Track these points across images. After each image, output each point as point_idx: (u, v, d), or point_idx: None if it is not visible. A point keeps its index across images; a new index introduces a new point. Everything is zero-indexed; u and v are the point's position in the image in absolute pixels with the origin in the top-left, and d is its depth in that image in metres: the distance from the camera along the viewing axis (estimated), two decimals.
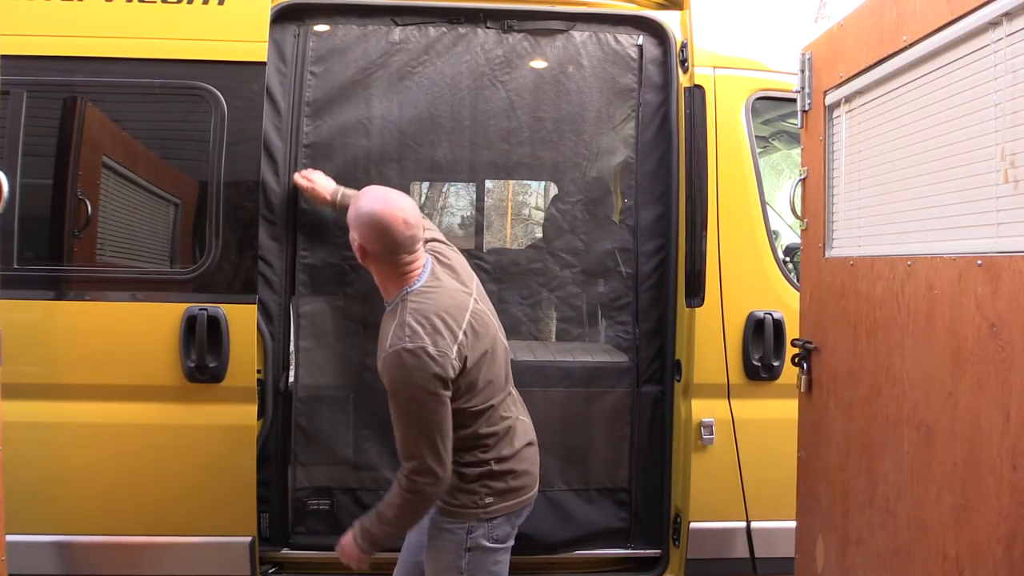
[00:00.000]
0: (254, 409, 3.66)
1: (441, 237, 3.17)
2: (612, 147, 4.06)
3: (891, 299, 2.62)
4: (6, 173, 2.87)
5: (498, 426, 2.92)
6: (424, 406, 2.67)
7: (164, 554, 3.67)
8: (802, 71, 3.30)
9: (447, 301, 2.79)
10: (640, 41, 3.98)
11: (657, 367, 3.95)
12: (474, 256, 3.92)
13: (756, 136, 3.99)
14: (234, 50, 3.66)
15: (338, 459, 3.87)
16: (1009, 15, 2.12)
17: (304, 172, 3.70)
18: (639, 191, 3.97)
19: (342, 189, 3.61)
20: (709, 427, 3.84)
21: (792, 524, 3.41)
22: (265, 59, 3.68)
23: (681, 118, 3.91)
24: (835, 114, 3.12)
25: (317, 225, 3.87)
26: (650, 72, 3.96)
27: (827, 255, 3.14)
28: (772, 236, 3.98)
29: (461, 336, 2.74)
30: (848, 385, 2.93)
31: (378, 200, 2.81)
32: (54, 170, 3.63)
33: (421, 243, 2.88)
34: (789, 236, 5.33)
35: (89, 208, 3.62)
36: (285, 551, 3.81)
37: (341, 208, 3.46)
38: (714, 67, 3.93)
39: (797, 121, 3.38)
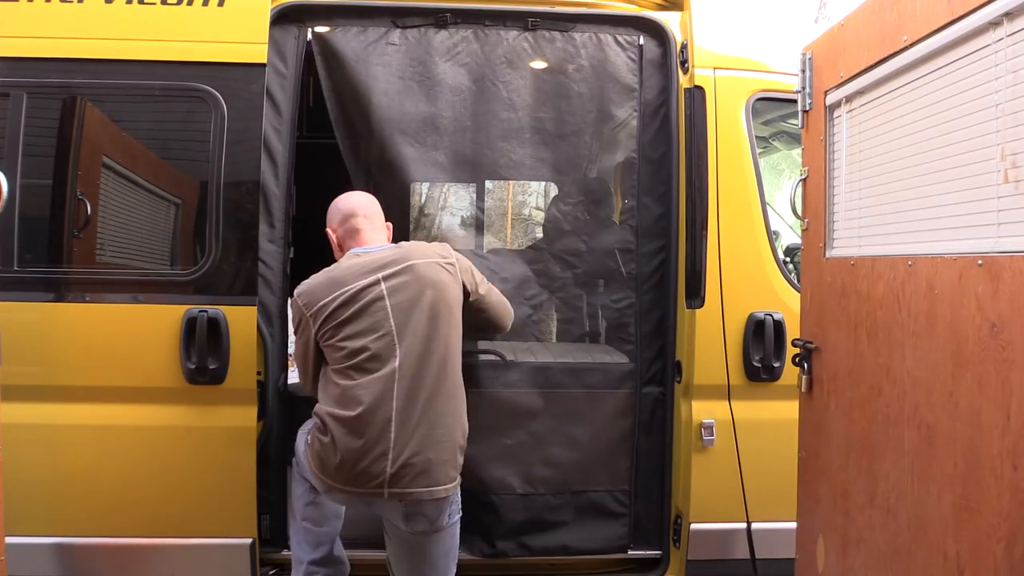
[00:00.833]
0: (254, 411, 3.66)
1: (446, 259, 3.38)
2: (612, 148, 4.07)
3: (892, 299, 2.61)
4: (6, 174, 2.87)
5: (343, 393, 3.15)
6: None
7: (164, 556, 3.67)
8: (802, 71, 3.30)
9: (334, 274, 3.30)
10: (640, 42, 3.97)
11: (658, 368, 3.95)
12: (475, 256, 3.92)
13: (756, 136, 3.99)
14: (234, 52, 3.66)
15: None
16: (1009, 15, 2.11)
17: None
18: (639, 192, 3.97)
19: None
20: (710, 428, 3.83)
21: (793, 525, 3.40)
22: (265, 61, 3.67)
23: (681, 119, 3.90)
24: (836, 114, 3.12)
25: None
26: (650, 73, 3.95)
27: (828, 255, 3.14)
28: (772, 237, 3.98)
29: (319, 295, 3.23)
30: (849, 385, 2.93)
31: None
32: (54, 172, 3.63)
33: (361, 235, 3.43)
34: (789, 236, 5.32)
35: (89, 210, 3.62)
36: (285, 552, 3.80)
37: None
38: (714, 68, 3.93)
39: (797, 121, 3.37)
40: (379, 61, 3.88)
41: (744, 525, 3.89)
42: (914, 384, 2.49)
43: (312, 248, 4.43)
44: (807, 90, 3.29)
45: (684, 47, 3.92)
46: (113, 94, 3.70)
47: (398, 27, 3.90)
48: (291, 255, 3.89)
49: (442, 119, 3.92)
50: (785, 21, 4.74)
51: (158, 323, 3.59)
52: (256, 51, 3.66)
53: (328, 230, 3.51)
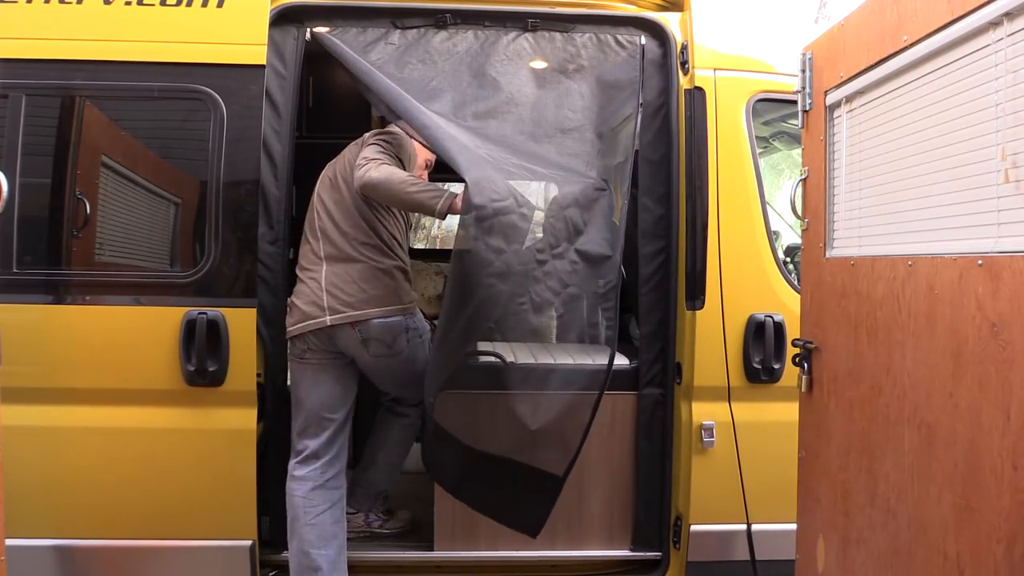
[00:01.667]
0: (254, 413, 3.65)
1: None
2: (612, 148, 4.06)
3: (892, 299, 2.61)
4: (6, 175, 2.87)
5: None
6: None
7: (164, 558, 3.67)
8: (802, 71, 3.29)
9: None
10: (641, 42, 3.97)
11: (658, 370, 3.94)
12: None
13: (757, 137, 3.99)
14: (233, 53, 3.66)
15: None
16: (1009, 15, 2.11)
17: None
18: (639, 193, 3.96)
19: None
20: (710, 430, 3.83)
21: (793, 526, 3.40)
22: (264, 62, 3.67)
23: (681, 120, 3.90)
24: (836, 114, 3.11)
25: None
26: (650, 73, 3.95)
27: (828, 255, 3.14)
28: (773, 238, 3.98)
29: None
30: (849, 385, 2.93)
31: None
32: (53, 173, 3.63)
33: None
34: (790, 236, 5.32)
35: (88, 211, 3.62)
36: (285, 554, 3.80)
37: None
38: (714, 68, 3.92)
39: (797, 122, 3.37)
40: (378, 61, 3.87)
41: (744, 526, 3.88)
42: (914, 384, 2.48)
43: None
44: (807, 90, 3.29)
45: (684, 48, 3.92)
46: (112, 95, 3.70)
47: (398, 28, 3.89)
48: (291, 256, 3.88)
49: (441, 119, 3.91)
50: (785, 21, 4.74)
51: (157, 325, 3.59)
52: (255, 52, 3.66)
53: None
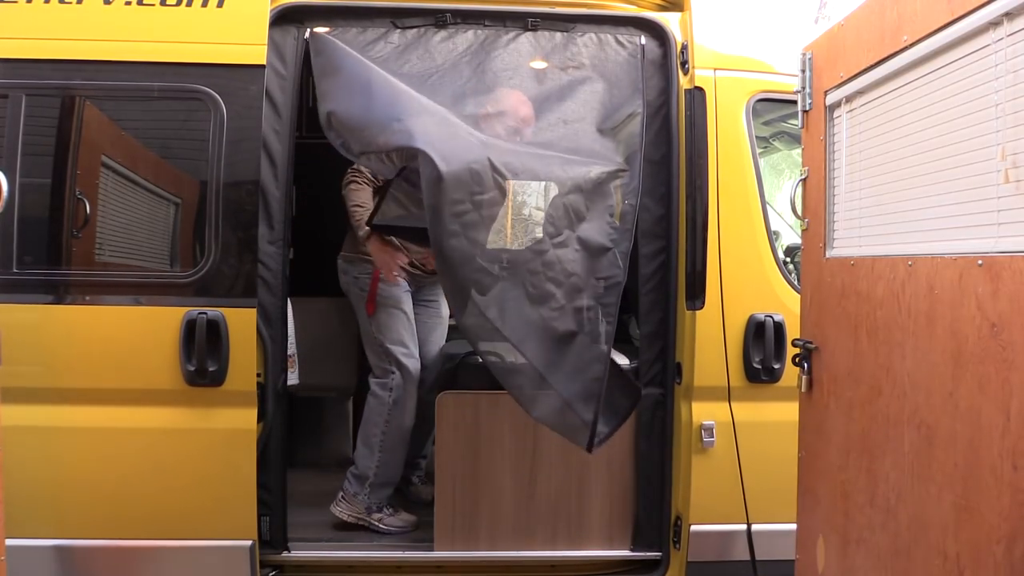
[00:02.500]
0: (254, 413, 3.65)
1: None
2: (612, 148, 4.05)
3: (892, 299, 2.61)
4: (6, 175, 2.87)
5: None
6: None
7: (164, 558, 3.67)
8: (802, 71, 3.29)
9: None
10: (641, 42, 3.97)
11: (658, 370, 3.94)
12: None
13: (757, 137, 3.99)
14: (233, 53, 3.66)
15: None
16: (1009, 15, 2.11)
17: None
18: (639, 193, 3.96)
19: None
20: (710, 430, 3.83)
21: (793, 526, 3.40)
22: (264, 62, 3.67)
23: (682, 120, 3.90)
24: (836, 114, 3.11)
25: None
26: (650, 73, 3.95)
27: (828, 255, 3.14)
28: (773, 238, 3.98)
29: None
30: (849, 385, 2.93)
31: None
32: (53, 173, 3.63)
33: None
34: (790, 236, 5.32)
35: (88, 211, 3.61)
36: (285, 554, 3.80)
37: None
38: (715, 68, 3.92)
39: (798, 122, 3.37)
40: (378, 61, 3.87)
41: (744, 527, 3.88)
42: (914, 384, 2.48)
43: (312, 249, 4.44)
44: (807, 90, 3.29)
45: (684, 48, 3.92)
46: (112, 95, 3.69)
47: (397, 28, 3.89)
48: (291, 256, 3.88)
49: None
50: (785, 21, 4.74)
51: (157, 325, 3.58)
52: (255, 52, 3.66)
53: None
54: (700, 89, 3.89)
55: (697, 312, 3.84)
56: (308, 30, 3.84)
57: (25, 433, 3.36)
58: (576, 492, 3.94)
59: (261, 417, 3.71)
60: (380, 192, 4.17)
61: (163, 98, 3.68)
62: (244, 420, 3.62)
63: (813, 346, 3.22)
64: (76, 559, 3.64)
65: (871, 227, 2.86)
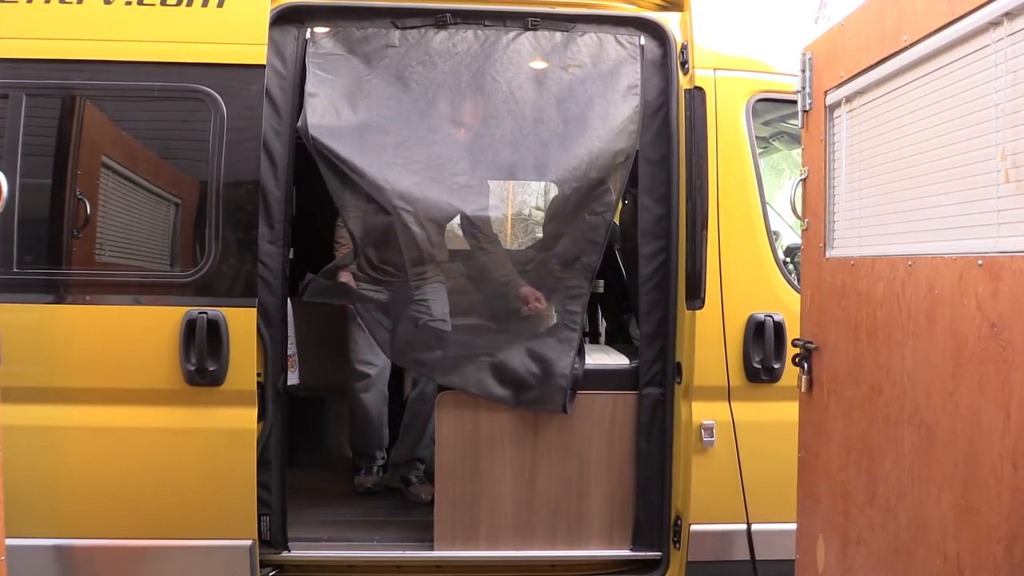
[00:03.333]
0: (254, 412, 3.65)
1: None
2: (612, 148, 4.05)
3: (892, 299, 2.61)
4: (6, 175, 2.87)
5: None
6: None
7: (164, 558, 3.67)
8: (802, 71, 3.29)
9: None
10: (640, 42, 3.97)
11: (658, 369, 3.94)
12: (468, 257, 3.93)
13: (756, 137, 3.99)
14: (233, 53, 3.66)
15: None
16: (1009, 15, 2.11)
17: None
18: (639, 193, 3.96)
19: None
20: (710, 429, 3.83)
21: (793, 526, 3.40)
22: (264, 62, 3.67)
23: (681, 120, 3.90)
24: (836, 114, 3.11)
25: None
26: (650, 73, 3.95)
27: (828, 255, 3.14)
28: (773, 238, 3.98)
29: None
30: (849, 385, 2.93)
31: None
32: (53, 173, 3.63)
33: None
34: (789, 236, 5.32)
35: (88, 211, 3.62)
36: (285, 554, 3.80)
37: None
38: (714, 68, 3.92)
39: (797, 122, 3.37)
40: (378, 61, 3.87)
41: (744, 526, 3.88)
42: (914, 384, 2.49)
43: (312, 249, 4.44)
44: (807, 90, 3.29)
45: (684, 48, 3.91)
46: (112, 95, 3.70)
47: (398, 28, 3.89)
48: (291, 256, 3.88)
49: (441, 119, 3.92)
50: (785, 21, 4.74)
51: (158, 325, 3.59)
52: (255, 52, 3.66)
53: None
54: (700, 89, 3.89)
55: (697, 312, 3.84)
56: (308, 30, 3.84)
57: (25, 433, 3.37)
58: (576, 492, 3.94)
59: (261, 417, 3.71)
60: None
61: (163, 98, 3.69)
62: (244, 420, 3.62)
63: (813, 346, 3.22)
64: (76, 559, 3.64)
65: (871, 227, 2.86)
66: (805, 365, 3.26)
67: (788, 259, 4.69)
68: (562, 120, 3.95)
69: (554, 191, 4.49)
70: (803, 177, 3.34)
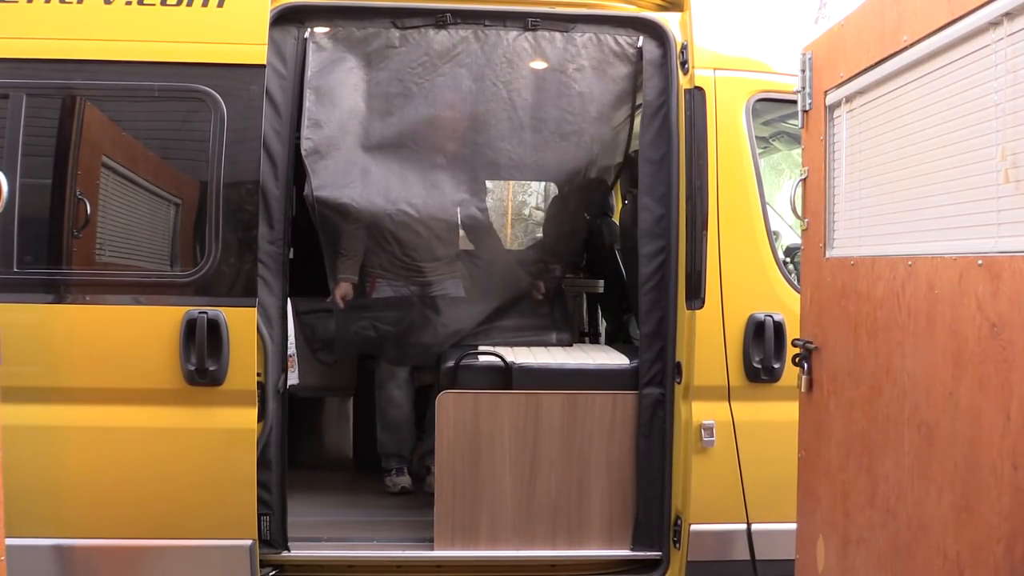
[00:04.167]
0: (254, 412, 3.65)
1: None
2: (612, 148, 4.06)
3: (892, 299, 2.61)
4: (6, 175, 2.87)
5: None
6: None
7: (164, 557, 3.67)
8: (802, 71, 3.29)
9: None
10: (640, 43, 3.97)
11: (658, 369, 3.94)
12: (474, 256, 3.93)
13: (756, 137, 3.98)
14: (233, 52, 3.66)
15: None
16: (1009, 15, 2.11)
17: None
18: (639, 193, 3.96)
19: None
20: (710, 429, 3.83)
21: (793, 526, 3.40)
22: (265, 62, 3.67)
23: (681, 120, 3.90)
24: (836, 114, 3.11)
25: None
26: (650, 74, 3.95)
27: (828, 255, 3.14)
28: (772, 238, 3.98)
29: None
30: (849, 385, 2.93)
31: None
32: (53, 173, 3.63)
33: None
34: (789, 236, 5.33)
35: (88, 210, 3.61)
36: (285, 554, 3.80)
37: None
38: (714, 68, 3.92)
39: (797, 122, 3.37)
40: (378, 61, 3.87)
41: (744, 526, 3.88)
42: (914, 384, 2.49)
43: (312, 249, 4.44)
44: (807, 90, 3.29)
45: (684, 48, 3.91)
46: (113, 95, 3.70)
47: (398, 28, 3.90)
48: (291, 256, 3.88)
49: (442, 119, 3.92)
50: (785, 21, 4.74)
51: (158, 325, 3.58)
52: (256, 52, 3.66)
53: None
54: (700, 89, 3.89)
55: (697, 312, 3.84)
56: (308, 30, 3.84)
57: (25, 433, 3.36)
58: (576, 492, 3.94)
59: (261, 417, 3.71)
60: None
61: (163, 98, 3.69)
62: (244, 420, 3.62)
63: (813, 346, 3.22)
64: (76, 559, 3.64)
65: (871, 227, 2.86)
66: (805, 365, 3.26)
67: (788, 259, 4.70)
68: (562, 120, 3.96)
69: (554, 191, 4.50)
70: (803, 177, 3.34)
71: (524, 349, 4.26)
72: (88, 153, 3.69)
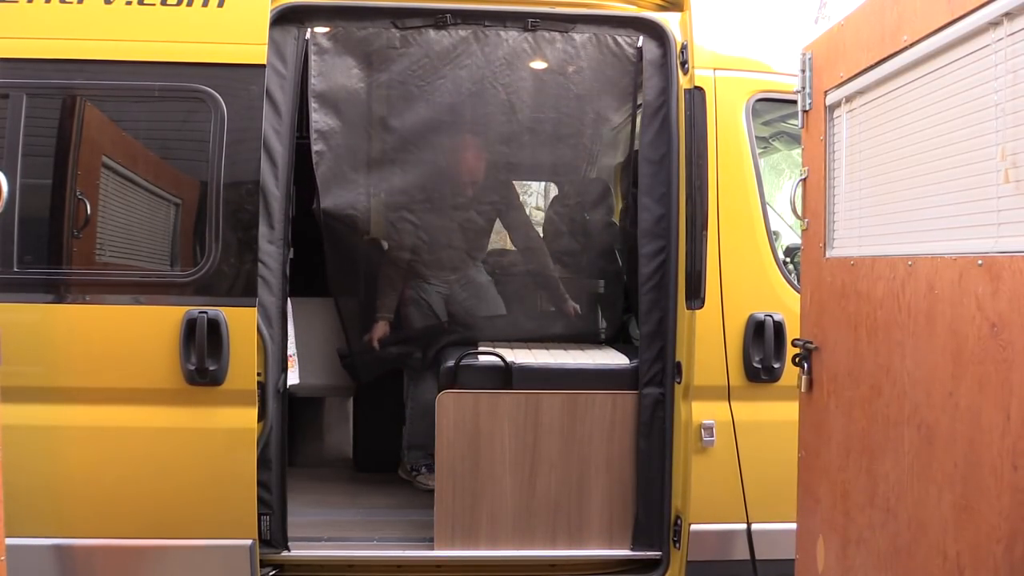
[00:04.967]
0: (254, 412, 3.65)
1: None
2: (612, 149, 4.06)
3: (892, 299, 2.61)
4: (6, 175, 2.87)
5: None
6: None
7: (164, 557, 3.67)
8: (802, 71, 3.29)
9: None
10: (640, 43, 3.97)
11: (658, 369, 3.94)
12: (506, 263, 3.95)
13: (756, 137, 3.98)
14: (234, 52, 3.66)
15: None
16: (1009, 15, 2.11)
17: None
18: (639, 193, 3.96)
19: None
20: (710, 429, 3.83)
21: (793, 526, 3.40)
22: (265, 62, 3.67)
23: (681, 120, 3.90)
24: (836, 114, 3.11)
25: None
26: (650, 74, 3.95)
27: (828, 255, 3.14)
28: (772, 238, 3.98)
29: None
30: (849, 385, 2.93)
31: None
32: (54, 172, 3.63)
33: None
34: (789, 236, 5.33)
35: (88, 210, 3.61)
36: (285, 554, 3.80)
37: None
38: (714, 68, 3.92)
39: (797, 122, 3.37)
40: (378, 62, 3.88)
41: (744, 526, 3.88)
42: (914, 384, 2.49)
43: (312, 249, 4.44)
44: (807, 90, 3.29)
45: (684, 48, 3.91)
46: (113, 95, 3.69)
47: (398, 28, 3.89)
48: (291, 256, 3.88)
49: (442, 120, 3.92)
50: (785, 21, 4.74)
51: (158, 324, 3.58)
52: (256, 52, 3.66)
53: None
54: (700, 89, 3.89)
55: (697, 312, 3.84)
56: (308, 30, 3.84)
57: (25, 432, 3.36)
58: (576, 492, 3.94)
59: (261, 417, 3.71)
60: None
61: (164, 98, 3.68)
62: (244, 420, 3.62)
63: (813, 346, 3.22)
64: (76, 558, 3.64)
65: (871, 227, 2.86)
66: (805, 365, 3.26)
67: (788, 259, 4.70)
68: (561, 121, 3.96)
69: (554, 191, 4.50)
70: (803, 177, 3.34)
71: (524, 349, 4.26)
72: (88, 153, 3.69)
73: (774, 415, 3.75)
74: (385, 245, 4.69)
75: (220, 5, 3.68)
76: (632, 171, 4.24)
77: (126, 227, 3.84)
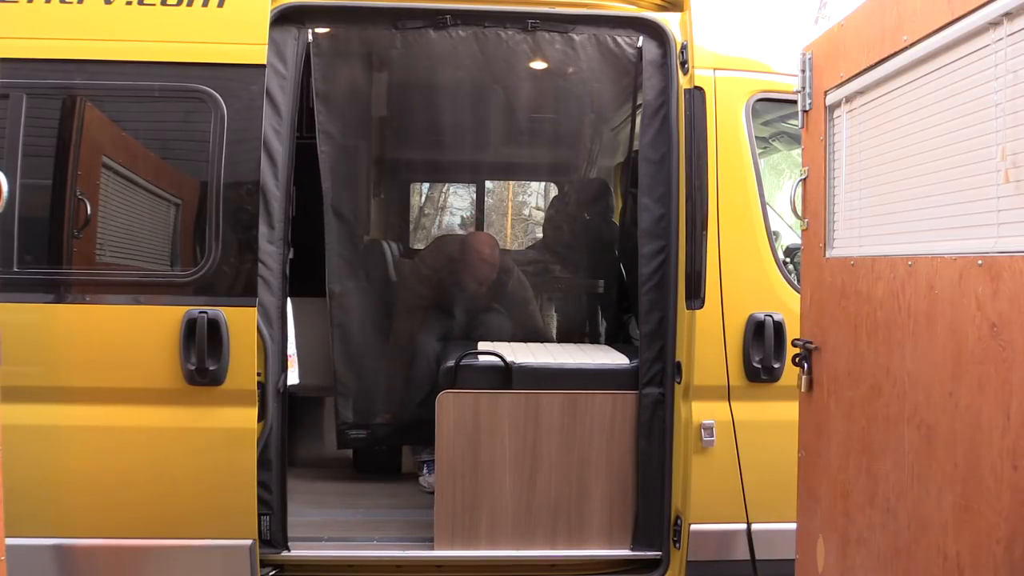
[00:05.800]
0: (254, 412, 3.66)
1: None
2: (612, 149, 4.06)
3: (892, 299, 2.61)
4: (6, 175, 2.86)
5: None
6: None
7: (164, 557, 3.67)
8: (802, 71, 3.29)
9: None
10: (640, 43, 3.97)
11: (658, 369, 3.95)
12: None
13: (756, 137, 3.98)
14: (234, 52, 3.66)
15: None
16: (1009, 15, 2.11)
17: None
18: (639, 193, 3.97)
19: None
20: (709, 429, 3.83)
21: (793, 526, 3.40)
22: (265, 62, 3.67)
23: (681, 120, 3.90)
24: (836, 114, 3.11)
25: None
26: (650, 74, 3.95)
27: (828, 255, 3.14)
28: (772, 238, 3.98)
29: None
30: (849, 385, 2.93)
31: None
32: (54, 172, 3.63)
33: None
34: (789, 236, 5.33)
35: (88, 210, 3.62)
36: (285, 554, 3.80)
37: None
38: (714, 68, 3.92)
39: (797, 122, 3.37)
40: (378, 62, 3.88)
41: (744, 526, 3.88)
42: (914, 384, 2.49)
43: (312, 248, 4.44)
44: (807, 90, 3.29)
45: (684, 48, 3.91)
46: (113, 95, 3.70)
47: (398, 29, 3.89)
48: (291, 256, 3.88)
49: (442, 120, 3.92)
50: (785, 21, 4.74)
51: (158, 324, 3.59)
52: (256, 52, 3.66)
53: None
54: (700, 89, 3.89)
55: (697, 312, 3.84)
56: (309, 30, 3.84)
57: (25, 432, 3.36)
58: (576, 492, 3.94)
59: (261, 416, 3.71)
60: None
61: (164, 98, 3.68)
62: (244, 419, 3.63)
63: (813, 346, 3.22)
64: (76, 558, 3.64)
65: (871, 227, 2.86)
66: (805, 365, 3.26)
67: (788, 259, 4.70)
68: (561, 121, 3.96)
69: (554, 191, 4.51)
70: (803, 177, 3.34)
71: (524, 348, 4.26)
72: (88, 153, 3.69)
73: (774, 415, 3.76)
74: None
75: (220, 5, 3.68)
76: (632, 171, 4.25)
77: (126, 227, 3.84)
